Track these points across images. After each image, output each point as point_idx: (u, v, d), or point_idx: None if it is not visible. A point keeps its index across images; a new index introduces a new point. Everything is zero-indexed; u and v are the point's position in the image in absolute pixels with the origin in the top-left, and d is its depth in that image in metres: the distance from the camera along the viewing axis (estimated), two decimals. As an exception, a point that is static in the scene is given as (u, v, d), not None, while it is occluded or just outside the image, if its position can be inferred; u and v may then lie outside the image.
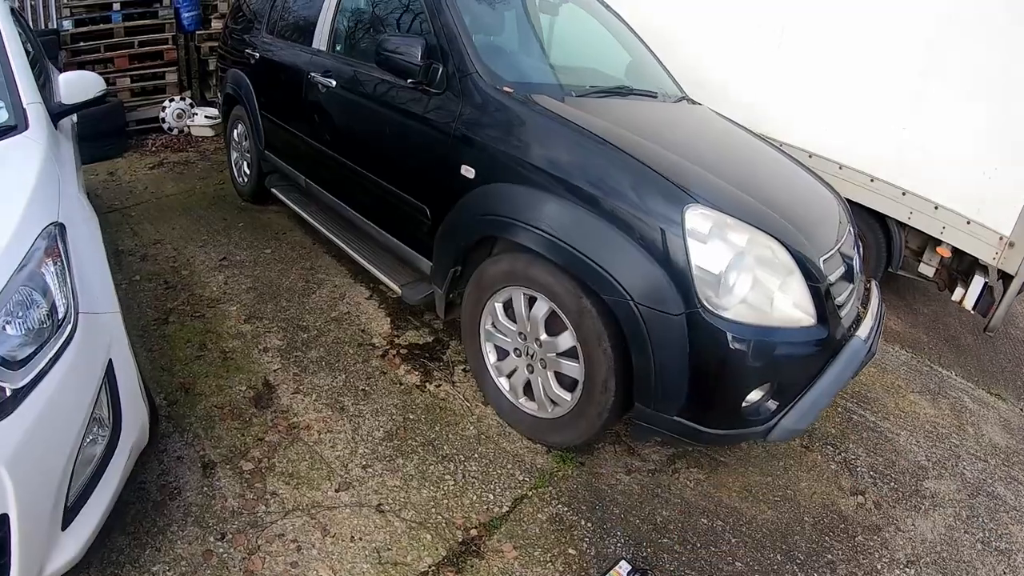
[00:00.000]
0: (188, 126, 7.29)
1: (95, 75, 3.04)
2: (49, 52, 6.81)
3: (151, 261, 4.29)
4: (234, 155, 5.33)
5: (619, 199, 2.43)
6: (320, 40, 3.94)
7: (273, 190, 4.72)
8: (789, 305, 2.42)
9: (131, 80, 7.28)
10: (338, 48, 3.87)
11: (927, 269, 4.62)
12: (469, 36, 3.03)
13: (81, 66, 7.05)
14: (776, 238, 2.39)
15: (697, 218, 2.32)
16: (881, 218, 4.58)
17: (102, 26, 7.24)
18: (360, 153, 3.61)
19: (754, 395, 2.47)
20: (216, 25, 7.66)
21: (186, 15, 7.58)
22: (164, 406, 2.95)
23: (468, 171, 2.85)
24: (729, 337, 2.29)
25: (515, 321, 2.85)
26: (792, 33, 4.64)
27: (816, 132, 4.65)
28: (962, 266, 4.36)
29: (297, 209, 4.37)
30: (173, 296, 3.87)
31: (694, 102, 3.87)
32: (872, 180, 4.43)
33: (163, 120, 7.28)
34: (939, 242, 4.28)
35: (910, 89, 4.14)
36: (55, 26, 7.15)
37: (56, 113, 2.88)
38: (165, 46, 7.42)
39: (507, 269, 2.78)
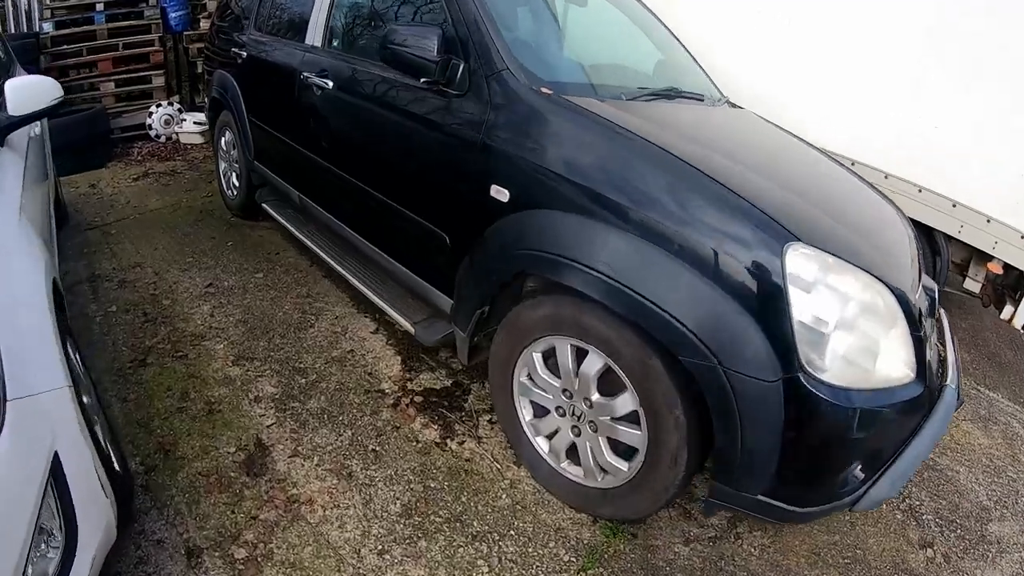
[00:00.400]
0: (176, 133, 6.70)
1: (50, 80, 2.47)
2: (28, 56, 6.23)
3: (129, 288, 3.72)
4: (222, 165, 4.74)
5: (700, 234, 1.87)
6: (314, 35, 3.37)
7: (264, 205, 4.15)
8: (894, 360, 1.91)
9: (116, 85, 6.69)
10: (335, 44, 3.30)
11: (973, 285, 4.14)
12: (496, 25, 2.47)
13: (62, 71, 6.46)
14: (881, 280, 1.87)
15: (799, 260, 1.78)
16: (927, 231, 4.07)
17: (84, 28, 6.63)
18: (362, 166, 3.04)
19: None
20: (205, 25, 7.04)
21: (173, 15, 6.97)
22: (140, 473, 2.41)
23: (500, 192, 2.29)
24: (832, 406, 1.77)
25: (558, 376, 2.30)
26: (831, 27, 4.09)
27: (858, 138, 4.11)
28: (1009, 281, 3.87)
29: (291, 228, 3.81)
30: (152, 331, 3.30)
31: (735, 105, 3.31)
32: (920, 191, 3.91)
33: (150, 127, 6.69)
34: (987, 256, 3.79)
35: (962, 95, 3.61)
36: (36, 29, 6.54)
37: (2, 127, 2.31)
38: (151, 48, 6.83)
39: (551, 315, 2.23)
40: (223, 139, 4.60)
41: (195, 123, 6.60)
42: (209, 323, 3.38)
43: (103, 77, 6.63)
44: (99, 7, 6.82)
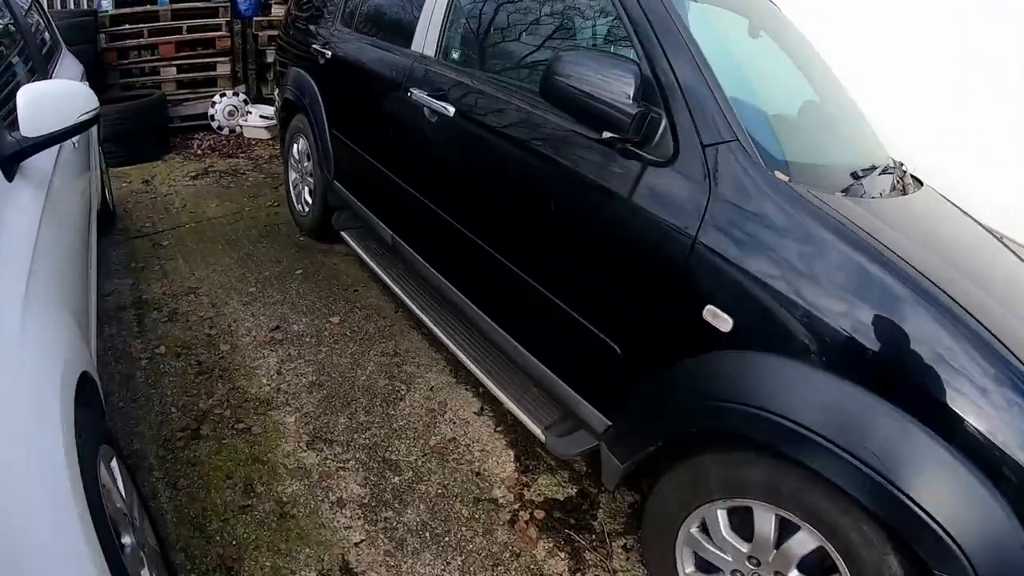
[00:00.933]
0: (240, 126, 6.08)
1: (79, 88, 1.79)
2: (85, 36, 5.67)
3: (181, 323, 3.09)
4: (292, 175, 4.09)
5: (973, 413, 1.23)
6: (426, 41, 2.67)
7: (343, 234, 3.48)
8: None
9: (178, 70, 6.08)
10: (454, 56, 2.59)
11: None
12: (716, 79, 1.73)
13: (121, 53, 5.86)
14: None
15: None
16: None
17: (147, 8, 6.04)
18: (494, 228, 2.31)
19: None
20: (277, 12, 6.43)
21: (242, -1, 6.34)
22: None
23: (719, 318, 1.56)
24: None
25: (746, 540, 1.62)
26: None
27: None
28: None
29: (378, 270, 3.14)
30: (208, 388, 2.66)
31: (916, 179, 2.47)
32: None
33: (212, 118, 6.08)
34: None
35: None
36: (95, 6, 5.95)
37: (9, 155, 1.64)
38: (218, 33, 6.19)
39: (764, 484, 1.52)
40: (295, 147, 3.94)
41: (261, 117, 5.98)
42: (277, 384, 2.72)
43: (164, 62, 6.03)
44: (165, -14, 6.24)
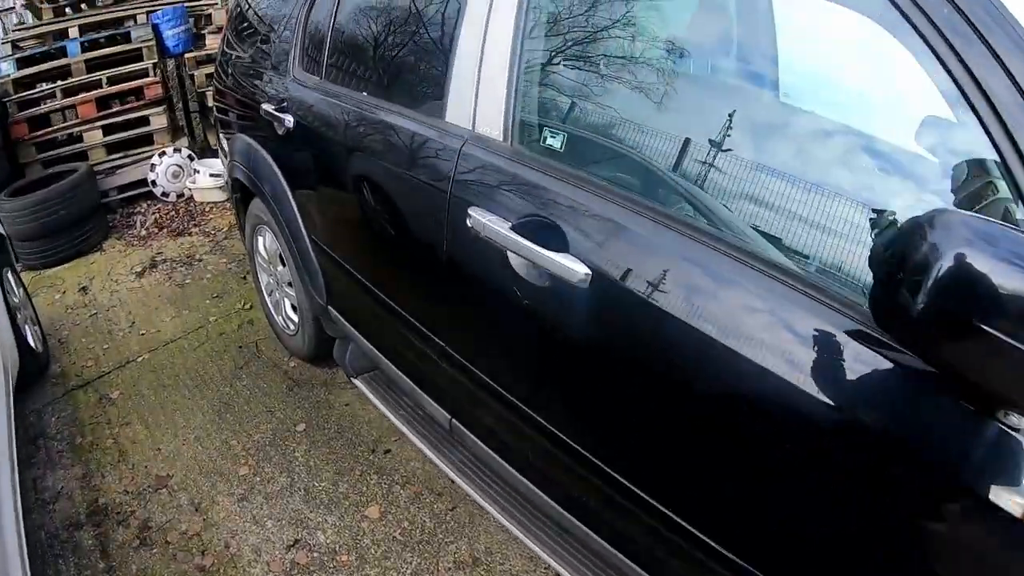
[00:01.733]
0: (189, 189, 4.95)
1: None
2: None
3: (160, 548, 2.12)
4: (264, 279, 3.02)
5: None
6: (477, 109, 1.57)
7: (359, 385, 2.40)
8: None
9: (104, 132, 4.91)
10: (553, 143, 1.47)
11: None
12: None
13: (35, 122, 4.71)
14: None
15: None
16: None
17: (56, 63, 4.87)
18: (669, 475, 1.30)
19: None
20: (214, 42, 5.27)
21: (170, 33, 5.18)
22: None
23: None
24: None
25: None
26: None
27: None
28: None
29: (431, 453, 2.03)
30: None
31: None
32: None
33: (154, 183, 4.95)
34: None
35: None
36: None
37: None
38: (146, 80, 5.02)
39: None
40: (260, 241, 2.87)
41: (212, 175, 4.85)
42: None
43: (87, 125, 4.87)
44: (72, 32, 5.05)
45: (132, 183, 4.95)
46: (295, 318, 2.76)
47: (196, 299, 3.58)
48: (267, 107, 2.39)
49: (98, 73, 4.87)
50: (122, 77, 4.93)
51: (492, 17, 1.49)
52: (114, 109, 4.92)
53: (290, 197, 2.34)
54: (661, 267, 1.18)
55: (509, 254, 1.40)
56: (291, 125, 2.26)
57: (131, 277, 3.90)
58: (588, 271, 1.25)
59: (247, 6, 2.82)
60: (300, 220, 2.31)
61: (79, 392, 2.92)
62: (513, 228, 1.36)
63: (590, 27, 1.43)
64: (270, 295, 2.98)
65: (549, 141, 1.43)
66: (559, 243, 1.31)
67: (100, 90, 4.86)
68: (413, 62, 1.85)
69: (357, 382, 2.33)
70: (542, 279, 1.35)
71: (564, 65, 1.47)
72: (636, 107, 1.36)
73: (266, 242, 2.81)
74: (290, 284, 2.68)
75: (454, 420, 1.84)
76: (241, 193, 2.88)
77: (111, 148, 4.94)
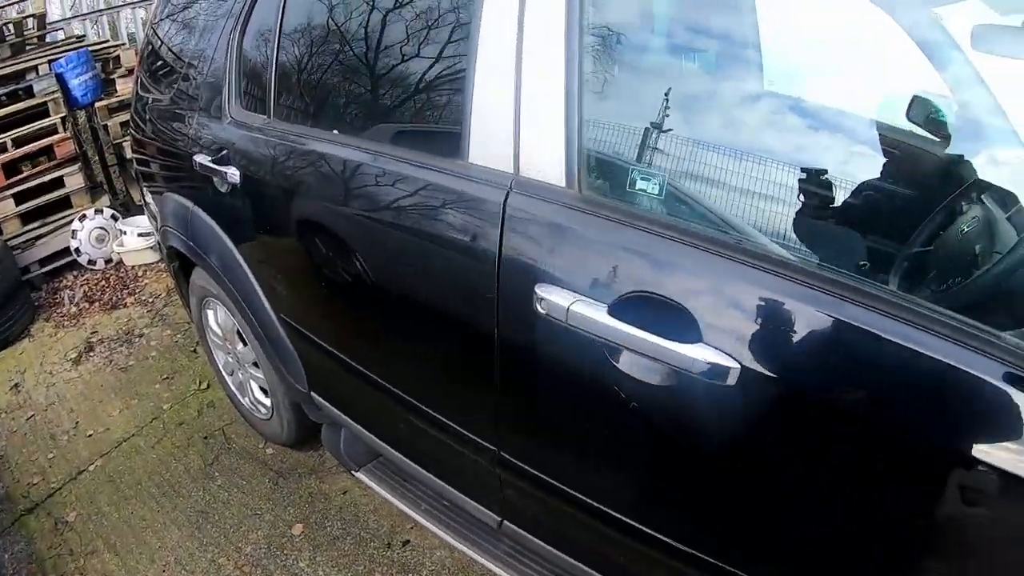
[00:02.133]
0: (117, 253, 4.39)
1: None
2: None
3: None
4: (221, 358, 2.56)
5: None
6: (520, 146, 1.15)
7: (364, 479, 1.96)
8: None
9: (16, 201, 4.32)
10: (642, 188, 1.10)
11: None
12: None
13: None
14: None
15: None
16: None
17: (-54, 130, 4.28)
18: None
19: None
20: (126, 87, 4.73)
21: (75, 82, 4.61)
22: None
23: None
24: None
25: None
26: None
27: None
28: None
29: (468, 550, 1.64)
30: None
31: None
32: None
33: (78, 251, 4.38)
34: None
35: None
36: None
37: None
38: (55, 137, 4.45)
39: None
40: (211, 317, 2.42)
41: (140, 235, 4.32)
42: None
43: (-8, 196, 4.28)
44: (-39, 92, 4.46)
45: (54, 254, 4.38)
46: (267, 402, 2.31)
47: (143, 384, 3.08)
48: (202, 159, 1.94)
49: (1, 136, 4.27)
50: (29, 137, 4.35)
51: (529, 6, 1.08)
52: (24, 174, 4.32)
53: (246, 270, 1.90)
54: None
55: (609, 346, 1.00)
56: (237, 180, 1.82)
57: (67, 365, 3.36)
58: (736, 365, 0.88)
59: (159, 42, 2.35)
60: (263, 297, 1.87)
61: (30, 518, 2.42)
62: (612, 312, 0.96)
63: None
64: (231, 375, 2.52)
65: (641, 185, 1.03)
66: (684, 329, 0.94)
67: (5, 155, 4.26)
68: (405, 84, 1.44)
69: (361, 476, 1.91)
70: (661, 376, 0.97)
71: (649, 70, 1.08)
72: (779, 131, 0.98)
73: (218, 317, 2.36)
74: (255, 364, 2.22)
75: (506, 522, 1.44)
76: (180, 261, 2.41)
77: (26, 217, 4.35)
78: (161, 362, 3.22)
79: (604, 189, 1.11)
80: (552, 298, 1.06)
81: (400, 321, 1.49)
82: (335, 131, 1.59)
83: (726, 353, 0.91)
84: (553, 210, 1.09)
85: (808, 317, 0.87)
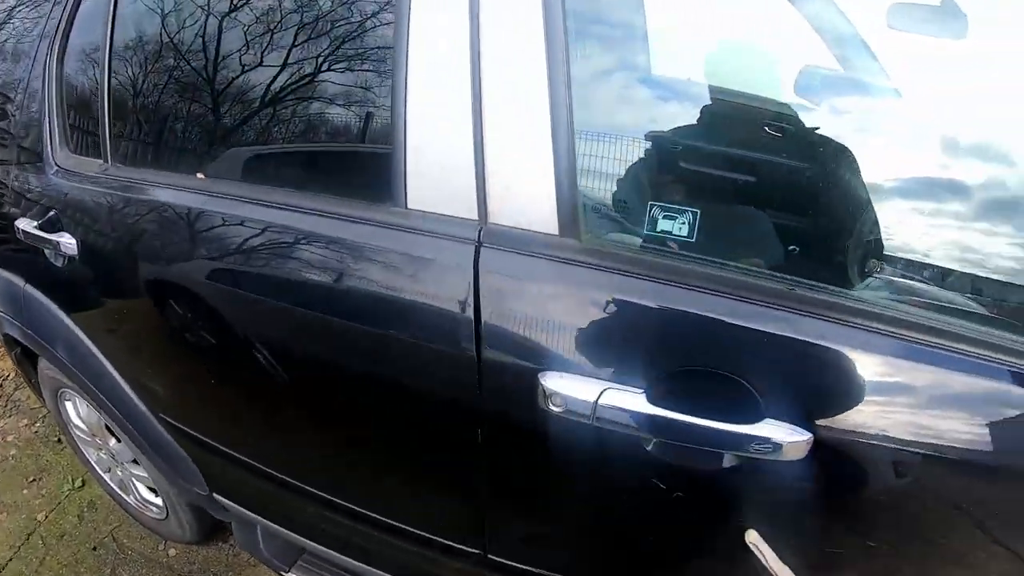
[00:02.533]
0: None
1: None
2: None
3: None
4: (92, 455, 2.07)
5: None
6: (484, 185, 0.84)
7: None
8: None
9: None
10: (664, 230, 0.82)
11: None
12: None
13: None
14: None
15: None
16: None
17: None
18: None
19: None
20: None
21: None
22: None
23: None
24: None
25: None
26: None
27: None
28: None
29: None
30: None
31: None
32: None
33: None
34: None
35: None
36: None
37: None
38: None
39: None
40: (71, 411, 1.92)
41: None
42: None
43: None
44: None
45: None
46: (158, 501, 1.85)
47: (9, 492, 2.50)
48: (25, 225, 1.47)
49: None
50: None
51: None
52: None
53: (104, 363, 1.45)
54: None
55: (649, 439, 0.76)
56: (75, 251, 1.35)
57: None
58: (808, 436, 0.72)
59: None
60: (133, 395, 1.40)
61: None
62: (656, 402, 0.71)
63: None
64: (108, 472, 2.04)
65: (663, 226, 0.69)
66: (742, 407, 0.73)
67: None
68: (296, 102, 1.04)
69: (295, 576, 1.49)
70: (714, 460, 0.77)
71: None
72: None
73: (80, 410, 1.87)
74: (135, 461, 1.76)
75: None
76: (21, 348, 1.89)
77: None
78: (23, 461, 2.64)
79: (611, 234, 0.76)
80: (566, 391, 0.72)
81: (327, 422, 1.10)
82: (199, 175, 1.16)
83: (796, 424, 0.72)
84: (547, 267, 0.73)
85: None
